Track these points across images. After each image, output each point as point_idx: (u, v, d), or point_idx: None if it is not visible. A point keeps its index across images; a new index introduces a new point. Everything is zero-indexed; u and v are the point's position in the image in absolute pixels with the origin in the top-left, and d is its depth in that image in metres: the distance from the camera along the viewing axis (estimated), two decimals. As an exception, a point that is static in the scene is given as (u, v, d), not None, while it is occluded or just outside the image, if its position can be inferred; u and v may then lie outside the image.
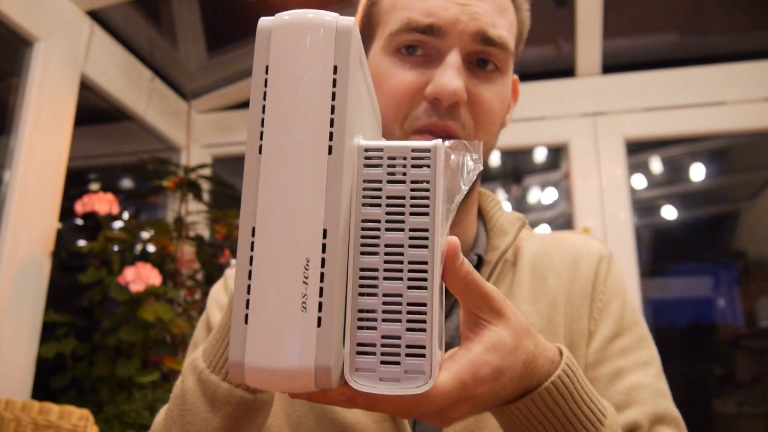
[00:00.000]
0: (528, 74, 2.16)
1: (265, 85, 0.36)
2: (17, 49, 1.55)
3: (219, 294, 0.71)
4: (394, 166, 0.37)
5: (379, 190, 0.37)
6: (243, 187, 0.35)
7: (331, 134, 0.34)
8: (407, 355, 0.35)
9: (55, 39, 1.60)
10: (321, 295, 0.33)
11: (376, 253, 0.36)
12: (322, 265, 0.33)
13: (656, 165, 2.47)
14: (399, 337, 0.35)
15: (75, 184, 1.79)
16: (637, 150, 2.31)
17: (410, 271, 0.35)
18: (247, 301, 0.33)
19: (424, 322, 0.35)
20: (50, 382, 1.57)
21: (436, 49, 0.60)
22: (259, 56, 0.36)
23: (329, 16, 0.36)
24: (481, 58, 0.61)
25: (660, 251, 2.59)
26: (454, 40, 0.59)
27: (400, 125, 0.60)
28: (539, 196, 2.68)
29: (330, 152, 0.34)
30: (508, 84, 0.65)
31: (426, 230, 0.36)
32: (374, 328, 0.35)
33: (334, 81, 0.35)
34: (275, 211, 0.33)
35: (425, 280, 0.35)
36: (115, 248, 1.65)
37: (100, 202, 1.63)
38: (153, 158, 1.85)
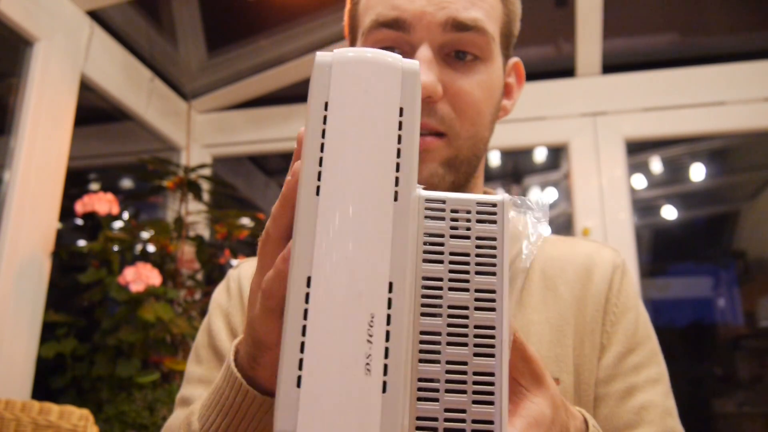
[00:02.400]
0: (528, 74, 2.15)
1: (324, 122, 0.33)
2: (17, 49, 1.55)
3: (221, 297, 0.70)
4: (457, 219, 0.34)
5: (442, 245, 0.34)
6: (296, 229, 0.31)
7: (396, 179, 0.32)
8: (473, 431, 0.32)
9: (55, 39, 1.60)
10: (386, 356, 0.29)
11: (438, 315, 0.33)
12: (388, 323, 0.29)
13: (656, 165, 2.48)
14: (464, 411, 0.32)
15: (75, 184, 1.79)
16: (637, 150, 2.31)
17: (476, 336, 0.33)
18: (300, 361, 0.28)
19: (492, 394, 0.32)
20: (50, 382, 1.57)
21: (408, 44, 0.58)
22: (317, 91, 0.33)
23: (392, 57, 0.34)
24: (458, 49, 0.58)
25: (660, 251, 2.59)
26: (422, 33, 0.57)
27: None
28: (539, 196, 2.68)
29: (396, 199, 0.31)
30: (495, 70, 0.62)
31: (493, 291, 0.33)
32: (436, 400, 0.32)
33: (400, 123, 0.33)
34: (336, 259, 0.30)
35: (493, 346, 0.33)
36: (115, 248, 1.65)
37: (100, 202, 1.63)
38: (153, 158, 1.85)
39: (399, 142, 0.32)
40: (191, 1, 1.99)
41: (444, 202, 0.35)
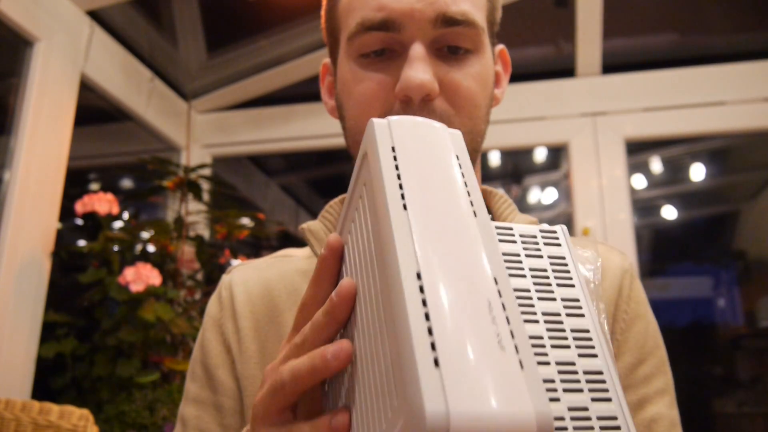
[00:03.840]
0: (528, 74, 2.16)
1: (396, 159, 0.34)
2: (17, 49, 1.55)
3: (213, 308, 0.69)
4: (527, 242, 0.37)
5: (520, 262, 0.36)
6: (386, 239, 0.32)
7: (471, 202, 0.33)
8: (602, 428, 0.31)
9: (55, 39, 1.60)
10: (513, 336, 0.29)
11: (536, 321, 0.34)
12: (504, 309, 0.30)
13: (656, 165, 2.48)
14: (587, 409, 0.32)
15: (75, 184, 1.79)
16: (637, 150, 2.31)
17: (576, 339, 0.34)
18: (432, 344, 0.28)
19: (607, 391, 0.32)
20: (50, 382, 1.57)
21: (399, 43, 0.57)
22: (382, 141, 0.35)
23: (440, 123, 0.37)
24: (450, 44, 0.58)
25: (660, 251, 2.59)
26: (413, 31, 0.56)
27: None
28: (539, 196, 2.68)
29: (475, 215, 0.33)
30: (487, 61, 0.61)
31: (577, 300, 0.35)
32: (558, 400, 0.32)
33: (459, 165, 0.35)
34: (439, 257, 0.30)
35: (593, 347, 0.33)
36: (115, 248, 1.65)
37: (100, 202, 1.63)
38: (153, 158, 1.85)
39: (463, 177, 0.34)
40: (191, 1, 1.99)
41: (512, 228, 0.37)
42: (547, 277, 0.35)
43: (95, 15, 1.77)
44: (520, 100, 2.14)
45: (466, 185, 0.34)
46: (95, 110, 1.95)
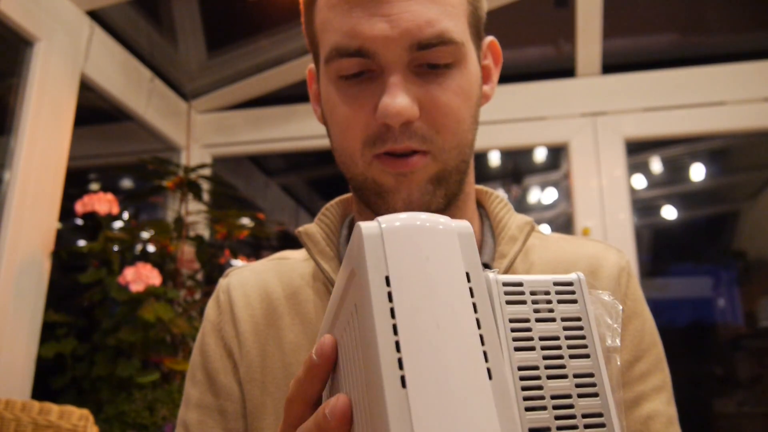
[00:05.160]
0: (528, 74, 2.16)
1: (390, 300, 0.29)
2: (17, 49, 1.55)
3: (211, 312, 0.68)
4: (537, 302, 0.33)
5: (530, 330, 0.32)
6: (378, 421, 0.28)
7: (485, 355, 0.29)
8: None
9: (55, 39, 1.60)
10: None
11: (544, 408, 0.31)
12: None
13: (656, 165, 2.48)
14: None
15: (75, 184, 1.79)
16: (637, 150, 2.31)
17: (586, 426, 0.31)
18: None
19: None
20: (50, 382, 1.57)
21: (377, 64, 0.56)
22: (372, 265, 0.30)
23: (443, 219, 0.32)
24: (429, 63, 0.56)
25: (660, 251, 2.59)
26: (389, 57, 0.55)
27: (360, 154, 0.58)
28: (539, 196, 2.68)
29: (490, 377, 0.28)
30: (471, 68, 0.59)
31: (592, 375, 0.32)
32: None
33: (471, 291, 0.30)
34: None
35: (604, 425, 0.31)
36: (115, 248, 1.65)
37: (100, 202, 1.63)
38: (153, 158, 1.85)
39: (476, 311, 0.30)
40: (191, 1, 1.99)
41: (521, 284, 0.33)
42: (560, 348, 0.32)
43: (95, 15, 1.77)
44: (520, 100, 2.14)
45: (479, 325, 0.29)
46: (95, 110, 1.95)
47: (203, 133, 2.31)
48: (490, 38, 0.66)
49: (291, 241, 2.57)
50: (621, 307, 0.37)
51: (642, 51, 2.17)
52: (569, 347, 0.32)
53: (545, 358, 0.32)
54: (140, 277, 1.53)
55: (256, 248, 2.44)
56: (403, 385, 0.27)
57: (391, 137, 0.56)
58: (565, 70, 2.13)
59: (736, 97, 2.02)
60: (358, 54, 0.55)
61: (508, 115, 2.13)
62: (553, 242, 0.68)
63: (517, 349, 0.32)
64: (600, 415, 0.31)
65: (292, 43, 2.06)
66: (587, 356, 0.32)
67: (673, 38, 2.15)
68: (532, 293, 0.33)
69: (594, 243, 0.69)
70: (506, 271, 0.61)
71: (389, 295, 0.29)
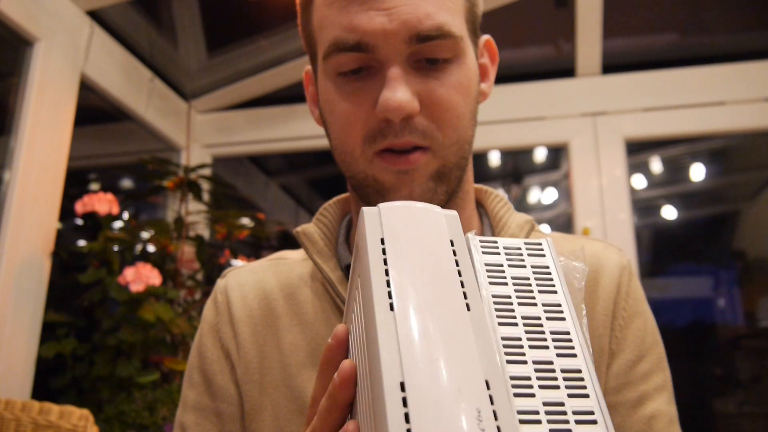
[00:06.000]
0: (528, 74, 2.16)
1: (384, 253, 0.34)
2: (17, 49, 1.55)
3: (209, 313, 0.68)
4: (511, 255, 0.38)
5: (503, 272, 0.37)
6: (370, 341, 0.31)
7: (464, 294, 0.33)
8: (578, 422, 0.31)
9: (55, 39, 1.60)
10: None
11: (515, 324, 0.34)
12: (495, 418, 0.28)
13: (656, 165, 2.48)
14: (563, 404, 0.32)
15: (75, 184, 1.79)
16: (637, 150, 2.31)
17: (555, 340, 0.34)
18: None
19: (585, 387, 0.33)
20: (50, 382, 1.57)
21: (376, 60, 0.56)
22: (371, 232, 0.35)
23: (434, 206, 0.37)
24: (428, 57, 0.56)
25: (660, 251, 2.59)
26: (388, 51, 0.55)
27: (360, 151, 0.58)
28: (539, 196, 2.68)
29: (468, 309, 0.32)
30: (469, 65, 0.59)
31: (559, 305, 0.36)
32: (533, 395, 0.32)
33: (454, 251, 0.35)
34: (426, 363, 0.29)
35: (573, 348, 0.34)
36: (115, 248, 1.65)
37: (100, 202, 1.63)
38: (153, 158, 1.85)
39: (457, 264, 0.34)
40: (191, 1, 1.99)
41: (496, 242, 0.38)
42: (529, 285, 0.36)
43: (95, 15, 1.77)
44: (520, 100, 2.14)
45: (460, 275, 0.34)
46: (95, 110, 1.95)
47: (203, 133, 2.31)
48: (486, 37, 0.67)
49: (291, 241, 2.57)
50: (587, 269, 0.40)
51: (642, 51, 2.17)
52: (538, 285, 0.36)
53: (517, 291, 0.36)
54: (140, 277, 1.53)
55: (256, 248, 2.44)
56: (392, 309, 0.31)
57: (391, 132, 0.56)
58: (565, 70, 2.13)
59: (736, 97, 2.02)
60: (357, 48, 0.55)
61: (508, 115, 2.13)
62: (554, 241, 0.68)
63: (491, 283, 0.36)
64: (567, 332, 0.34)
65: (292, 43, 2.06)
66: (555, 292, 0.36)
67: (673, 38, 2.15)
68: (506, 248, 0.38)
69: (594, 242, 0.69)
70: None
71: (383, 251, 0.34)
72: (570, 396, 0.32)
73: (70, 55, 1.66)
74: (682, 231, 2.69)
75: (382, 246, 0.34)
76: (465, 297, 0.33)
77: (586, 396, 0.32)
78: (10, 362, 1.43)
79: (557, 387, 0.32)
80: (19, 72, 1.55)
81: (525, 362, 0.33)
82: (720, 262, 2.64)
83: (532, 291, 0.36)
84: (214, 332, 0.66)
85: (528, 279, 0.37)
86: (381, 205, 0.37)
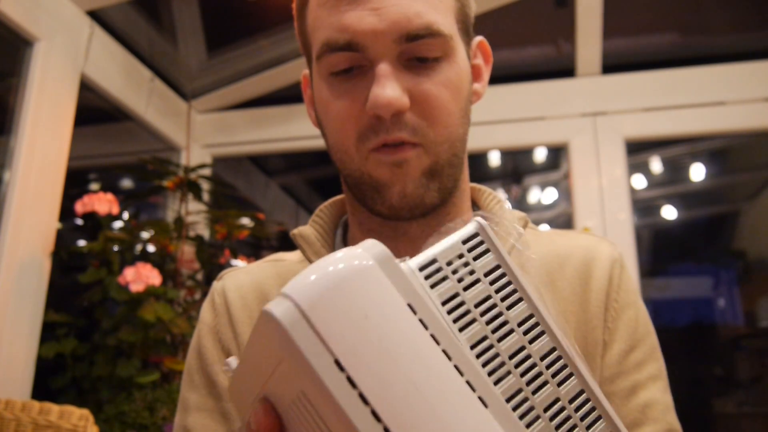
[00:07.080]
0: (528, 74, 2.16)
1: (354, 385, 0.27)
2: (17, 49, 1.55)
3: (207, 315, 0.68)
4: (456, 270, 0.33)
5: (463, 303, 0.32)
6: None
7: (469, 384, 0.29)
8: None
9: (55, 39, 1.60)
10: None
11: (509, 373, 0.31)
12: None
13: (656, 165, 2.48)
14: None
15: (75, 184, 1.79)
16: (637, 150, 2.31)
17: (548, 366, 0.32)
18: None
19: (594, 410, 0.32)
20: (50, 382, 1.57)
21: (367, 59, 0.57)
22: (313, 355, 0.27)
23: (356, 252, 0.30)
24: (418, 55, 0.57)
25: (660, 251, 2.59)
26: (378, 50, 0.56)
27: (355, 149, 0.58)
28: (539, 196, 2.68)
29: (486, 405, 0.29)
30: (460, 63, 0.60)
31: (532, 316, 0.33)
32: None
33: (423, 323, 0.30)
34: None
35: (566, 367, 0.33)
36: (115, 248, 1.65)
37: (100, 202, 1.63)
38: (153, 158, 1.85)
39: (438, 342, 0.30)
40: (191, 1, 1.99)
41: (435, 260, 0.33)
42: (495, 306, 0.33)
43: (95, 15, 1.77)
44: (520, 100, 2.14)
45: (447, 356, 0.30)
46: (95, 110, 1.95)
47: (203, 133, 2.31)
48: (479, 38, 0.67)
49: (291, 241, 2.57)
50: (523, 231, 0.38)
51: (642, 51, 2.17)
52: (503, 300, 0.33)
53: (488, 322, 0.32)
54: (140, 277, 1.53)
55: (256, 248, 2.44)
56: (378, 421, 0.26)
57: (383, 129, 0.56)
58: (565, 70, 2.13)
59: (736, 97, 2.02)
60: (347, 48, 0.56)
61: (508, 115, 2.13)
62: (546, 237, 0.69)
63: (461, 329, 0.31)
64: (554, 350, 0.33)
65: (292, 43, 2.06)
66: (521, 300, 0.33)
67: (673, 38, 2.15)
68: (449, 263, 0.33)
69: (586, 236, 0.70)
70: None
71: (349, 380, 0.27)
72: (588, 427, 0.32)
73: (70, 55, 1.66)
74: (682, 231, 2.69)
75: (345, 374, 0.27)
76: (472, 389, 0.29)
77: (599, 419, 0.32)
78: (10, 362, 1.43)
79: (570, 418, 0.32)
80: (19, 72, 1.55)
81: (533, 407, 0.31)
82: (720, 262, 2.64)
83: (501, 314, 0.33)
84: (214, 333, 0.66)
85: (491, 298, 0.33)
86: (301, 304, 0.28)
